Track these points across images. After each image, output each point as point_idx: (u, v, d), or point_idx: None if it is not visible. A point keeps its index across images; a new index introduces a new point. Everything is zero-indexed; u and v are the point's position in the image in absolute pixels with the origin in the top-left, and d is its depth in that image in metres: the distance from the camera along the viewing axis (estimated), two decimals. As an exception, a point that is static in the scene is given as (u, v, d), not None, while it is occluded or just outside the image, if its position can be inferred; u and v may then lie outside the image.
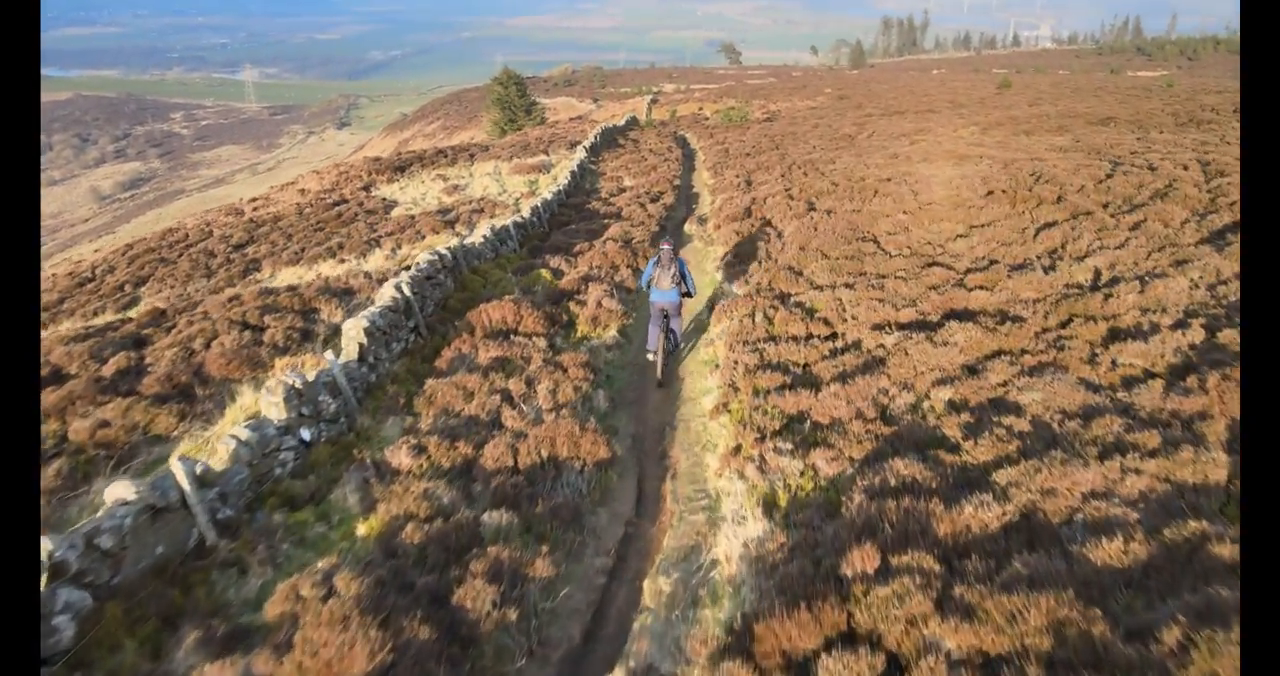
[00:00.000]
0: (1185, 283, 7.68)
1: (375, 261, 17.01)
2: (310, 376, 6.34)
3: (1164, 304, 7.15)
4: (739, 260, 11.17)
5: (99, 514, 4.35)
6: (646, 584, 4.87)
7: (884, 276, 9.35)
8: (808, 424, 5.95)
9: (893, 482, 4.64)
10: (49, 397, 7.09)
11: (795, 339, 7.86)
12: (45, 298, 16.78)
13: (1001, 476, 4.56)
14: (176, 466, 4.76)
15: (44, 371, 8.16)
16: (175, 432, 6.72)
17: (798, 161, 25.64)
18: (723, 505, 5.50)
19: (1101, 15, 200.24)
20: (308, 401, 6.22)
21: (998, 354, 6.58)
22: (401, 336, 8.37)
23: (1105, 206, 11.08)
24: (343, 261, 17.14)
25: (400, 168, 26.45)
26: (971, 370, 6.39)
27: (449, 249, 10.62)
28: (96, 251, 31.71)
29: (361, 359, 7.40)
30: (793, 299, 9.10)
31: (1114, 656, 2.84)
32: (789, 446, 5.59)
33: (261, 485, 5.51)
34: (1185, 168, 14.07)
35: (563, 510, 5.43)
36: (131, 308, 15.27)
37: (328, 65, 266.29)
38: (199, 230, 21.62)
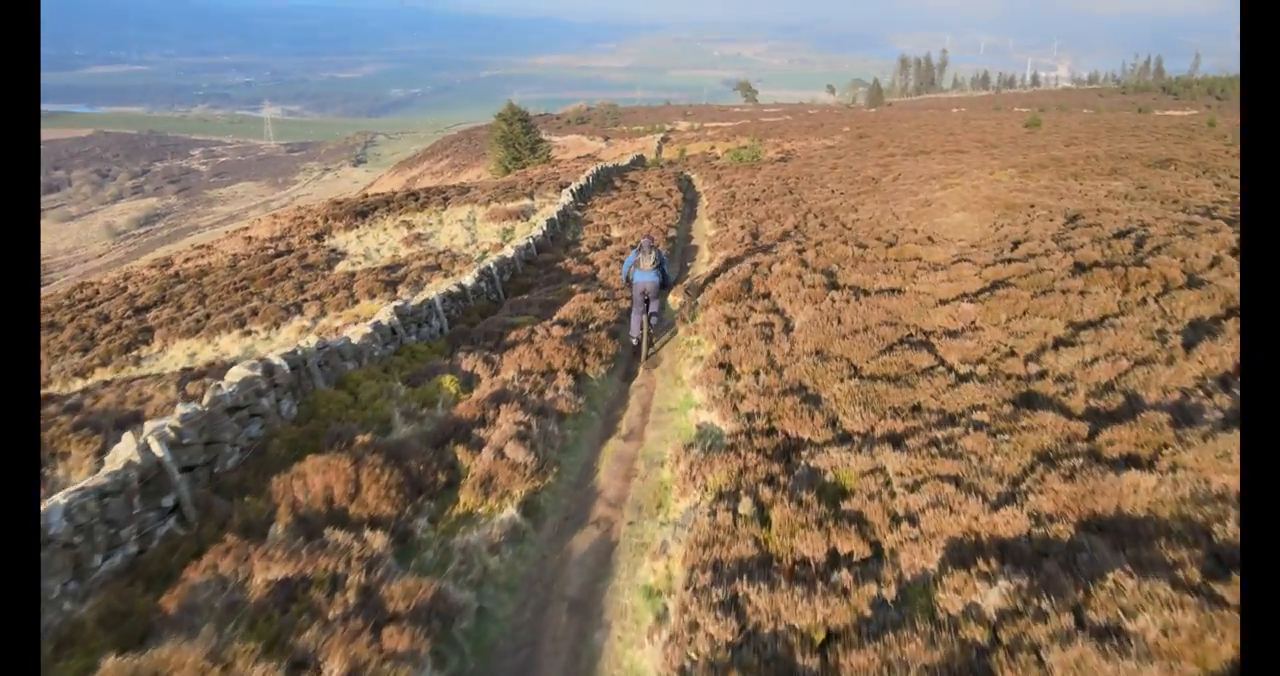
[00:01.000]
0: None
1: (287, 334, 13.75)
2: None
3: None
4: (727, 369, 7.66)
5: None
6: None
7: (953, 419, 5.79)
8: None
9: None
10: None
11: (805, 569, 4.31)
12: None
13: None
14: None
15: None
16: None
17: (814, 209, 22.24)
18: None
19: (1119, 56, 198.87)
20: None
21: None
22: (130, 535, 4.90)
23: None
24: (249, 333, 13.91)
25: (362, 212, 23.40)
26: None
27: (297, 350, 7.20)
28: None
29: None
30: (804, 461, 5.55)
31: None
32: None
33: None
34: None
35: None
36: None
37: (349, 103, 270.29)
38: (112, 286, 18.56)
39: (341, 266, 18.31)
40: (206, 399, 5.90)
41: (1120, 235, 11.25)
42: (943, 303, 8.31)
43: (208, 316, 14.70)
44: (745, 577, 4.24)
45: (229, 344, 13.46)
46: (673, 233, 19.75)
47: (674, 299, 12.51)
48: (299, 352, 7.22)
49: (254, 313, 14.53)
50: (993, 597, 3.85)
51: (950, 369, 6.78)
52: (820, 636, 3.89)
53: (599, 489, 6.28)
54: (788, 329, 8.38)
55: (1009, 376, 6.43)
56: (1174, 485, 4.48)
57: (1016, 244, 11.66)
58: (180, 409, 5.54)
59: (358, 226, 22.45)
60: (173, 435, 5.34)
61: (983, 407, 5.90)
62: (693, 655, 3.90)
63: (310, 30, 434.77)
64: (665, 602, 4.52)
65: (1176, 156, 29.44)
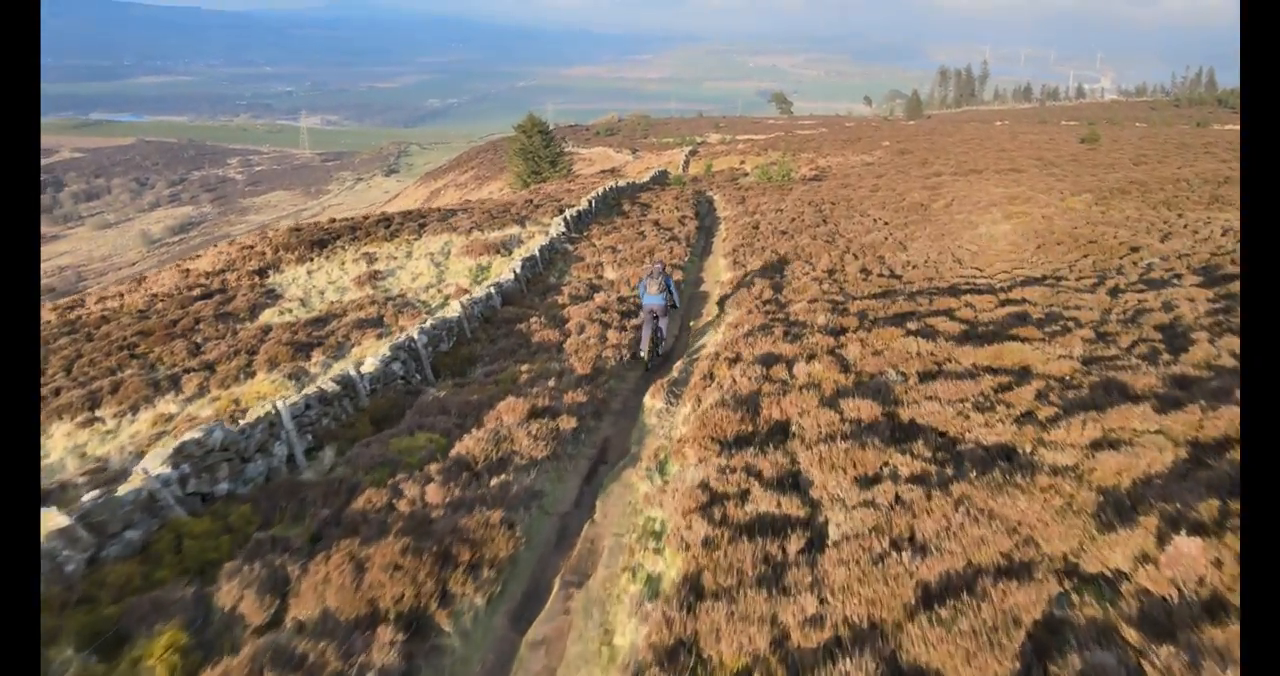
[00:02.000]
0: None
1: (140, 425, 10.30)
2: None
3: None
4: (690, 652, 3.85)
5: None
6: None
7: None
8: None
9: None
10: None
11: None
12: None
13: None
14: None
15: None
16: None
17: (854, 246, 18.27)
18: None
19: (1163, 68, 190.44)
20: None
21: None
22: None
23: None
24: (93, 421, 10.48)
25: (321, 242, 20.03)
26: None
27: None
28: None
29: None
30: None
31: None
32: None
33: None
34: None
35: None
36: None
37: (387, 113, 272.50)
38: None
39: (266, 315, 14.87)
40: None
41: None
42: (1118, 471, 4.37)
43: (57, 392, 11.31)
44: None
45: (60, 439, 10.02)
46: (679, 275, 15.96)
47: (652, 399, 8.69)
48: None
49: (115, 388, 11.10)
50: None
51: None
52: None
53: None
54: (811, 549, 4.49)
55: None
56: None
57: (1177, 331, 7.63)
58: None
59: (312, 259, 19.09)
60: None
61: None
62: None
63: (351, 41, 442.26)
64: None
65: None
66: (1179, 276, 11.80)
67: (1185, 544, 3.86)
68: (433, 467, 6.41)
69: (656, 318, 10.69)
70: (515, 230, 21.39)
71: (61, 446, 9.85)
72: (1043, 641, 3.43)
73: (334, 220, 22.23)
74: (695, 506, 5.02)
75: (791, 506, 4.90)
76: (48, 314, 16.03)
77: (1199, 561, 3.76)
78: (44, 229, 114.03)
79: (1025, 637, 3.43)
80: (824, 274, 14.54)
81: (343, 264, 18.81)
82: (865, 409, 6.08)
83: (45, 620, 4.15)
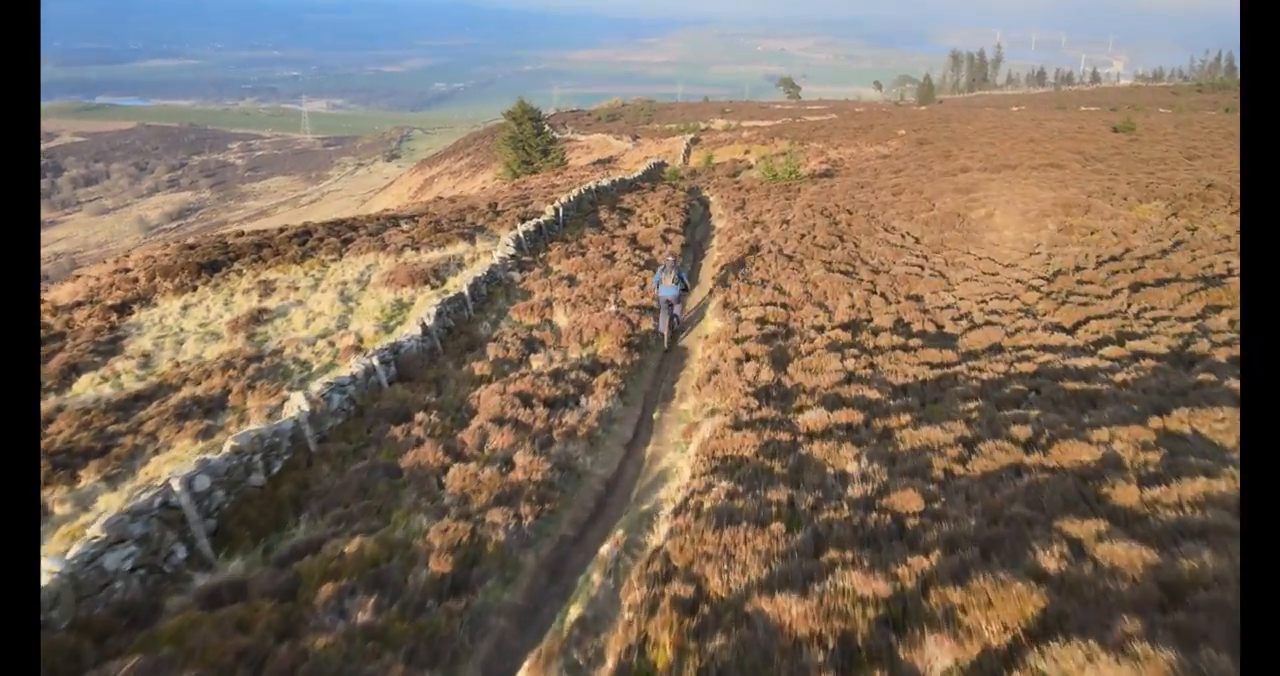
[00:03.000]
0: None
1: None
2: None
3: None
4: None
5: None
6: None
7: None
8: None
9: None
10: None
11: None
12: None
13: None
14: None
15: None
16: None
17: (881, 281, 14.07)
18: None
19: (1177, 52, 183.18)
20: None
21: None
22: None
23: None
24: None
25: (214, 265, 16.04)
26: None
27: None
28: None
29: None
30: None
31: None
32: None
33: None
34: None
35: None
36: None
37: (392, 97, 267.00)
38: None
39: (83, 382, 10.92)
40: None
41: None
42: None
43: None
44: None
45: None
46: (638, 336, 11.89)
47: (598, 577, 4.71)
48: None
49: None
50: None
51: None
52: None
53: None
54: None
55: None
56: None
57: None
58: None
59: (196, 288, 15.15)
60: None
61: None
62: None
63: (357, 25, 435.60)
64: None
65: None
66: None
67: None
68: None
69: (672, 305, 11.87)
70: (460, 248, 17.34)
71: None
72: None
73: (242, 233, 18.20)
74: None
75: None
76: None
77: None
78: (41, 215, 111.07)
79: None
80: (845, 333, 10.44)
81: (230, 296, 14.84)
82: None
83: None
